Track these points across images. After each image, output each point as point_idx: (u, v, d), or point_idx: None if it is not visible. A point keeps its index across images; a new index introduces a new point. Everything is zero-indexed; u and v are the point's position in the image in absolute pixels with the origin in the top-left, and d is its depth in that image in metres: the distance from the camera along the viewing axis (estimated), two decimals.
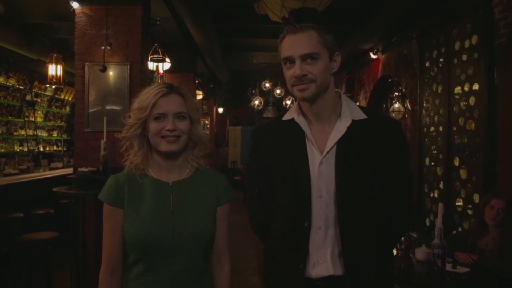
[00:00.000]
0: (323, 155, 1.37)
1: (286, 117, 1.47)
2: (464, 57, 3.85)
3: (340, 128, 1.38)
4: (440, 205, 2.15)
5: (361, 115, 1.40)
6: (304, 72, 1.33)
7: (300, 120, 1.42)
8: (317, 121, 1.42)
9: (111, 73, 4.18)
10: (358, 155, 1.36)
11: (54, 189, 3.61)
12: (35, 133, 8.87)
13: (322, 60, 1.35)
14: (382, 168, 1.38)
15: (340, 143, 1.36)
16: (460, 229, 3.80)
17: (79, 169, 3.84)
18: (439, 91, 4.34)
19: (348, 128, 1.37)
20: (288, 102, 9.71)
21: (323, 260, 1.36)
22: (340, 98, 1.44)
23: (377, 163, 1.37)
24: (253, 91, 9.62)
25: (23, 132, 8.37)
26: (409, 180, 1.48)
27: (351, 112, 1.40)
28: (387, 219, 1.40)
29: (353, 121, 1.38)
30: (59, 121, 10.13)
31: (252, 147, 1.54)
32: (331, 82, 1.40)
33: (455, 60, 4.01)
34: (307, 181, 1.36)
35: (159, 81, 5.95)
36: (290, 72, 1.36)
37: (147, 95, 1.38)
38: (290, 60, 1.36)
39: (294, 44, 1.35)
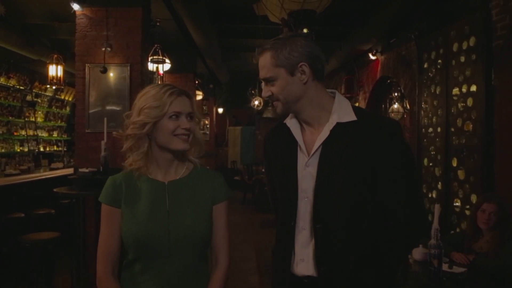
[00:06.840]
0: (309, 157, 1.38)
1: (286, 120, 1.49)
2: (462, 59, 3.87)
3: (326, 131, 1.36)
4: (437, 206, 2.18)
5: (351, 117, 1.35)
6: (268, 93, 1.39)
7: (292, 124, 1.44)
8: (308, 125, 1.43)
9: (111, 74, 4.20)
10: (341, 157, 1.32)
11: (54, 190, 3.63)
12: (36, 133, 8.89)
13: (280, 79, 1.37)
14: (370, 172, 1.31)
15: (324, 145, 1.35)
16: (458, 230, 3.83)
17: (80, 170, 3.85)
18: (437, 92, 4.36)
19: (334, 130, 1.34)
20: None
21: (305, 259, 1.38)
22: (334, 99, 1.42)
23: (364, 166, 1.31)
24: (253, 91, 9.62)
25: (23, 133, 8.38)
26: (410, 190, 1.35)
27: (340, 114, 1.36)
28: (376, 229, 1.34)
29: (341, 123, 1.34)
30: (59, 121, 10.15)
31: (264, 149, 1.61)
32: (310, 91, 1.37)
33: (453, 62, 4.03)
34: (294, 183, 1.39)
35: (159, 82, 5.96)
36: None
37: (159, 94, 1.37)
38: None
39: (259, 68, 1.41)
